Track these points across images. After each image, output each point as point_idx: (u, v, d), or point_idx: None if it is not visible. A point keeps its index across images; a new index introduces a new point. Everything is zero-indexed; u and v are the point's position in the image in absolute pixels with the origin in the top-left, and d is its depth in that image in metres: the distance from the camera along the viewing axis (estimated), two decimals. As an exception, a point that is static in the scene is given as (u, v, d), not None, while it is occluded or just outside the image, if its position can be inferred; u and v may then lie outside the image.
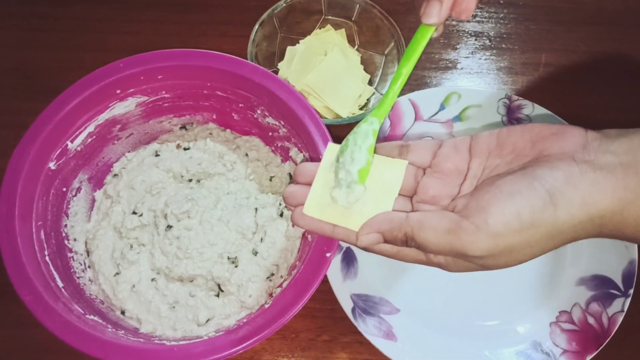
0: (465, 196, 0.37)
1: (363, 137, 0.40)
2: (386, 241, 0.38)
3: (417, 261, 0.39)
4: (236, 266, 0.54)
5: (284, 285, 0.52)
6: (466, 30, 0.75)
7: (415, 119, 0.64)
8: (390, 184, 0.40)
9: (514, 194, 0.34)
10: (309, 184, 0.41)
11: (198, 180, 0.58)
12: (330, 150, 0.41)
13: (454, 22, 0.75)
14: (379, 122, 0.41)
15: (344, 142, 0.41)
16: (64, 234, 0.54)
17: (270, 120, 0.58)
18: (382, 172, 0.40)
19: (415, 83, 0.71)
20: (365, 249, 0.39)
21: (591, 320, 0.56)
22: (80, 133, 0.54)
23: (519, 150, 0.38)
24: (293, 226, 0.56)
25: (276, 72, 0.67)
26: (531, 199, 0.34)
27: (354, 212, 0.39)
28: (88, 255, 0.55)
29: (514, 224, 0.34)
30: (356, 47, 0.70)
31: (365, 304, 0.56)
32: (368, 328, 0.55)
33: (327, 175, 0.40)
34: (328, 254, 0.48)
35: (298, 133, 0.55)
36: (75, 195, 0.56)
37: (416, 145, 0.41)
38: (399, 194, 0.40)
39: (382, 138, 0.63)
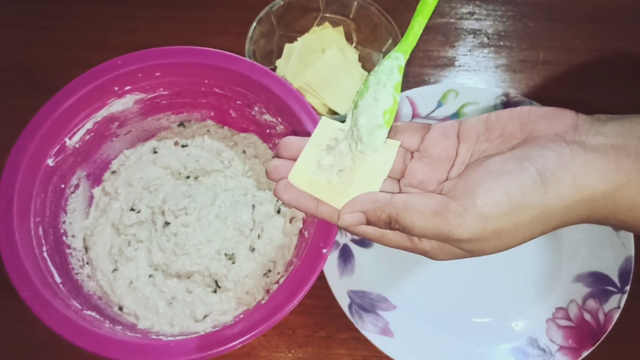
0: (452, 179, 0.36)
1: (387, 73, 0.37)
2: (369, 222, 0.36)
3: (402, 247, 0.37)
4: (233, 263, 0.54)
5: (281, 281, 0.52)
6: (464, 27, 0.75)
7: (413, 116, 0.64)
8: (379, 164, 0.37)
9: (503, 174, 0.33)
10: (294, 159, 0.38)
11: (196, 177, 0.59)
12: (324, 124, 0.38)
13: (451, 20, 0.75)
14: (404, 57, 0.37)
15: (362, 84, 0.37)
16: (62, 231, 0.55)
17: (267, 117, 0.58)
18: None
19: (412, 80, 0.71)
20: (346, 229, 0.36)
21: (587, 316, 0.56)
22: (78, 130, 0.55)
23: (507, 134, 0.36)
24: (290, 222, 0.56)
25: (274, 69, 0.68)
26: (521, 179, 0.33)
27: (339, 189, 0.36)
28: (86, 252, 0.56)
29: (503, 205, 0.33)
30: (354, 44, 0.70)
31: (362, 301, 0.56)
32: (365, 324, 0.55)
33: (316, 148, 0.38)
34: (324, 250, 0.48)
35: (295, 130, 0.55)
36: (74, 192, 0.57)
37: (404, 127, 0.39)
38: (387, 176, 0.38)
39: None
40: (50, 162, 0.53)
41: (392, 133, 0.39)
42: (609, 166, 0.33)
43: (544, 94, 0.71)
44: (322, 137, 0.38)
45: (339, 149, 0.38)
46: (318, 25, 0.70)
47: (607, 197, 0.33)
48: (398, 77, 0.37)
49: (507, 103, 0.65)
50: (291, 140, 0.39)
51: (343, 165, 0.37)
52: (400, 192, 0.38)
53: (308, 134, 0.53)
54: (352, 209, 0.36)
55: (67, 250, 0.54)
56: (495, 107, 0.65)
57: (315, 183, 0.37)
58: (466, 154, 0.38)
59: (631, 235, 0.58)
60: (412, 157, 0.39)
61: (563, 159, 0.33)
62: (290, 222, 0.57)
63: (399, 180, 0.39)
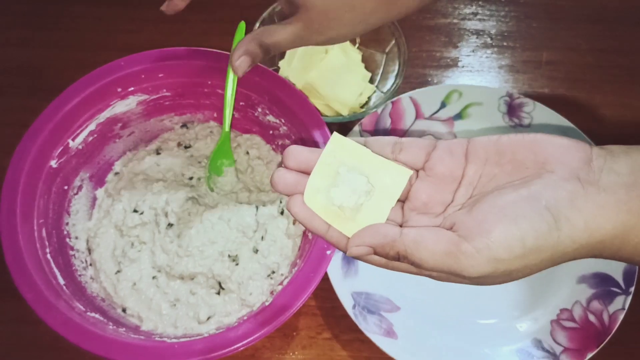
0: (463, 211, 0.36)
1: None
2: (377, 254, 0.36)
3: (408, 272, 0.37)
4: (237, 264, 0.54)
5: (285, 283, 0.52)
6: (467, 28, 0.75)
7: (416, 117, 0.64)
8: (389, 191, 0.37)
9: (518, 218, 0.33)
10: (299, 171, 0.37)
11: (199, 179, 0.58)
12: (335, 141, 0.38)
13: (454, 20, 0.75)
14: None
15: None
16: (65, 232, 0.55)
17: (270, 118, 0.58)
18: (382, 176, 0.37)
19: (416, 81, 0.71)
20: (354, 257, 0.37)
21: (592, 318, 0.56)
22: (81, 131, 0.55)
23: (519, 161, 0.36)
24: (294, 223, 0.56)
25: (277, 70, 0.67)
26: (536, 224, 0.33)
27: (347, 215, 0.37)
28: (89, 253, 0.56)
29: (516, 250, 0.33)
30: (357, 45, 0.70)
31: (366, 302, 0.56)
32: (368, 326, 0.55)
33: (327, 168, 0.37)
34: (328, 252, 0.48)
35: (298, 131, 0.55)
36: (77, 193, 0.57)
37: (410, 144, 0.39)
38: None
39: (383, 132, 0.63)
40: (53, 163, 0.52)
41: (397, 149, 0.39)
42: (619, 208, 0.33)
43: (547, 94, 0.71)
44: (333, 155, 0.37)
45: (352, 185, 0.37)
46: (321, 26, 0.69)
47: (615, 238, 0.33)
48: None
49: (511, 103, 0.65)
50: (297, 150, 0.38)
51: (354, 202, 0.37)
52: (406, 224, 0.38)
53: (311, 135, 0.53)
54: (361, 242, 0.36)
55: (71, 252, 0.54)
56: (498, 108, 0.65)
57: (327, 207, 0.37)
58: (474, 175, 0.38)
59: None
60: (417, 176, 0.39)
61: (577, 201, 0.33)
62: (294, 223, 0.56)
63: (403, 203, 0.39)
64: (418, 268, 0.35)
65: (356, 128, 0.62)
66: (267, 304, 0.49)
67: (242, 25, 0.55)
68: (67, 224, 0.55)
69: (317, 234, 0.37)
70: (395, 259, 0.35)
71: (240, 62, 0.44)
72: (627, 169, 0.34)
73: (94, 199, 0.59)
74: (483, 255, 0.33)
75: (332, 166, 0.37)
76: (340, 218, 0.37)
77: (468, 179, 0.38)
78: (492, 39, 0.74)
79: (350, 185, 0.37)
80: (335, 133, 0.38)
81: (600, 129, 0.69)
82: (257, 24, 0.65)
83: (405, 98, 0.64)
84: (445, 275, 0.36)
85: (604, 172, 0.34)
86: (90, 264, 0.55)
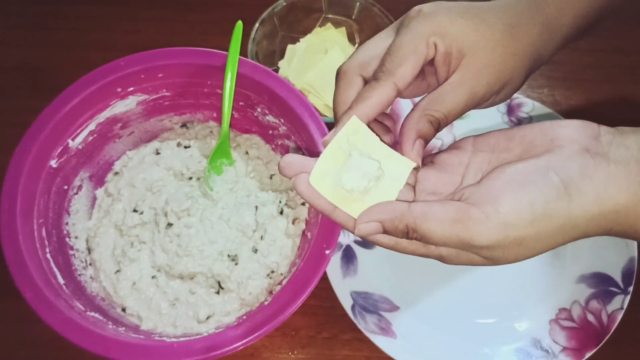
0: (472, 185, 0.36)
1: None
2: (386, 232, 0.35)
3: (416, 253, 0.37)
4: (236, 264, 0.54)
5: (284, 282, 0.52)
6: (467, 28, 0.75)
7: (416, 117, 0.64)
8: (394, 177, 0.37)
9: (527, 183, 0.33)
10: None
11: (198, 178, 0.59)
12: (352, 125, 0.37)
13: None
14: None
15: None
16: (65, 232, 0.55)
17: (270, 118, 0.58)
18: (387, 164, 0.37)
19: (415, 81, 0.71)
20: (362, 238, 0.37)
21: (591, 317, 0.56)
22: (81, 131, 0.55)
23: (528, 142, 0.36)
24: (293, 223, 0.56)
25: (277, 70, 0.68)
26: (545, 189, 0.33)
27: (356, 197, 0.36)
28: (89, 253, 0.56)
29: (526, 214, 0.32)
30: (357, 45, 0.70)
31: (365, 302, 0.56)
32: (367, 325, 0.55)
33: (339, 152, 0.37)
34: (327, 252, 0.48)
35: (298, 131, 0.55)
36: (77, 193, 0.57)
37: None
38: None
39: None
40: (53, 163, 0.53)
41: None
42: (631, 180, 0.33)
43: (547, 94, 0.71)
44: (347, 139, 0.37)
45: (363, 169, 0.37)
46: (320, 26, 0.70)
47: (629, 210, 0.33)
48: None
49: (510, 104, 0.65)
50: (293, 158, 0.37)
51: (363, 187, 0.37)
52: (416, 200, 0.38)
53: (310, 135, 0.53)
54: (369, 218, 0.35)
55: (70, 252, 0.54)
56: (498, 108, 0.65)
57: (334, 190, 0.36)
58: (482, 161, 0.38)
59: (634, 236, 0.58)
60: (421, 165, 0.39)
61: (587, 171, 0.33)
62: (293, 223, 0.57)
63: (414, 187, 0.39)
64: (427, 244, 0.35)
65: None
66: (266, 303, 0.49)
67: (239, 25, 0.55)
68: (67, 223, 0.55)
69: (323, 213, 0.37)
70: (404, 234, 0.35)
71: (416, 150, 0.37)
72: (637, 145, 0.34)
73: (94, 198, 0.59)
74: (492, 220, 0.33)
75: (343, 150, 0.37)
76: (348, 199, 0.36)
77: (476, 164, 0.38)
78: (491, 39, 0.74)
79: (361, 170, 0.36)
80: (354, 117, 0.37)
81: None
82: (256, 24, 0.65)
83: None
84: (455, 253, 0.36)
85: (613, 146, 0.34)
86: (90, 264, 0.56)
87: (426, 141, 0.37)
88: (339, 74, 0.39)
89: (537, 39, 0.40)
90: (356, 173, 0.36)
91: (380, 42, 0.39)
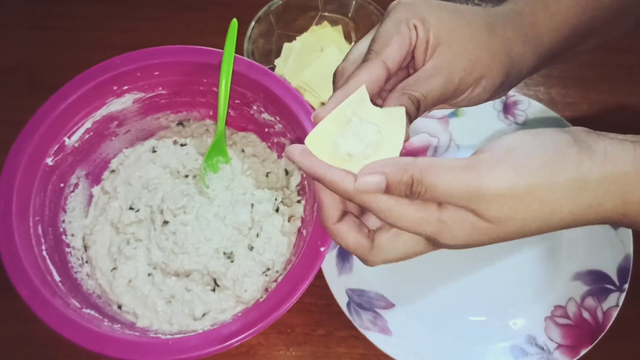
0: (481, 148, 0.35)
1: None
2: (388, 188, 0.33)
3: (411, 222, 0.34)
4: (232, 261, 0.54)
5: (280, 280, 0.52)
6: (463, 26, 0.75)
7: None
8: (392, 135, 0.35)
9: (538, 132, 0.34)
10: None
11: (194, 176, 0.59)
12: (360, 94, 0.36)
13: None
14: None
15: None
16: (61, 230, 0.55)
17: (266, 116, 0.58)
18: (386, 127, 0.36)
19: (412, 79, 0.71)
20: (360, 197, 0.34)
21: (586, 314, 0.56)
22: (77, 129, 0.55)
23: None
24: (289, 220, 0.56)
25: (273, 68, 0.68)
26: (555, 136, 0.33)
27: (354, 161, 0.35)
28: (85, 251, 0.56)
29: (537, 156, 0.32)
30: (353, 43, 0.70)
31: (361, 299, 0.56)
32: (363, 323, 0.55)
33: (342, 118, 0.35)
34: (322, 249, 0.48)
35: (294, 129, 0.55)
36: (73, 191, 0.57)
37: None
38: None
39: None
40: (49, 161, 0.53)
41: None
42: (637, 148, 0.33)
43: (543, 92, 0.71)
44: (352, 107, 0.36)
45: (361, 134, 0.35)
46: (317, 24, 0.70)
47: (637, 178, 0.32)
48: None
49: (506, 102, 0.66)
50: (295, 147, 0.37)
51: (361, 152, 0.35)
52: None
53: (306, 133, 0.53)
54: (372, 170, 0.33)
55: (67, 249, 0.55)
56: (494, 106, 0.65)
57: (331, 153, 0.35)
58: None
59: (630, 233, 0.58)
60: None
61: (591, 134, 0.34)
62: (289, 220, 0.57)
63: None
64: (429, 201, 0.33)
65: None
66: (262, 300, 0.49)
67: (234, 23, 0.56)
68: (64, 221, 0.56)
69: (316, 177, 0.35)
70: (408, 188, 0.33)
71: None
72: (631, 139, 0.34)
73: (90, 196, 0.59)
74: (504, 162, 0.32)
75: (345, 118, 0.36)
76: (345, 163, 0.35)
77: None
78: (488, 37, 0.74)
79: (359, 134, 0.35)
80: (363, 87, 0.36)
81: (595, 128, 0.68)
82: (252, 23, 0.65)
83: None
84: (457, 218, 0.33)
85: (608, 137, 0.34)
86: (86, 261, 0.56)
87: (409, 115, 0.36)
88: (335, 75, 0.41)
89: (512, 41, 0.41)
90: (354, 137, 0.35)
91: (369, 41, 0.40)
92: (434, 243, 0.36)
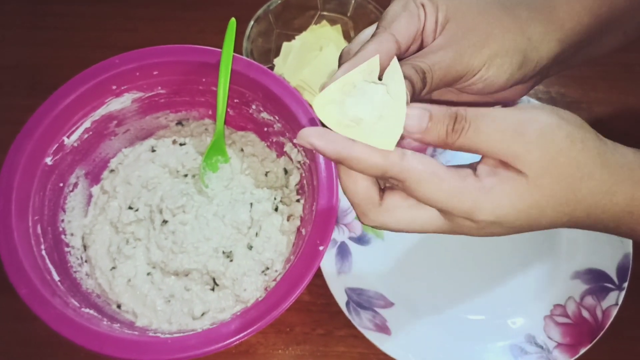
0: None
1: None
2: (429, 128, 0.32)
3: (446, 193, 0.32)
4: (231, 260, 0.54)
5: (279, 279, 0.52)
6: (463, 25, 0.75)
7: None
8: (394, 91, 0.32)
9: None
10: None
11: (194, 176, 0.59)
12: (372, 63, 0.33)
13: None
14: None
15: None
16: (60, 229, 0.55)
17: (265, 115, 0.58)
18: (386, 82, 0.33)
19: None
20: (393, 173, 0.32)
21: (585, 313, 0.56)
22: (76, 129, 0.55)
23: None
24: (288, 220, 0.57)
25: (272, 68, 0.68)
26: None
27: (365, 126, 0.32)
28: (85, 250, 0.56)
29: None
30: (352, 42, 0.70)
31: (360, 298, 0.56)
32: (362, 322, 0.55)
33: (350, 86, 0.33)
34: (321, 248, 0.48)
35: (292, 128, 0.55)
36: (72, 190, 0.57)
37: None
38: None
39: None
40: (48, 160, 0.53)
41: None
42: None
43: (541, 91, 0.71)
44: (362, 76, 0.33)
45: (369, 94, 0.32)
46: (316, 23, 0.70)
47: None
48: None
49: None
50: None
51: (370, 115, 0.32)
52: None
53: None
54: (420, 105, 0.32)
55: (66, 249, 0.55)
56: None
57: (339, 120, 0.32)
58: None
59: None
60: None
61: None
62: (288, 219, 0.57)
63: None
64: (469, 145, 0.32)
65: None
66: (261, 299, 0.49)
67: (233, 22, 0.56)
68: (63, 220, 0.56)
69: (340, 156, 0.32)
70: (451, 124, 0.32)
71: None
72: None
73: (90, 196, 0.59)
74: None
75: (354, 84, 0.33)
76: (354, 130, 0.32)
77: None
78: (487, 36, 0.74)
79: (366, 95, 0.32)
80: (376, 56, 0.33)
81: (595, 127, 0.68)
82: (251, 22, 0.65)
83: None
84: (501, 182, 0.32)
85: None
86: (86, 261, 0.56)
87: (412, 85, 0.33)
88: (342, 55, 0.38)
89: (526, 20, 0.39)
90: (362, 97, 0.32)
91: None
92: (464, 223, 0.33)
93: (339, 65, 0.37)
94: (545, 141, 0.32)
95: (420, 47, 0.38)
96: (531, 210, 0.33)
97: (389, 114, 0.32)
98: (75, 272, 0.54)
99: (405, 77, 0.33)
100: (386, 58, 0.34)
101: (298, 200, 0.57)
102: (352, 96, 0.32)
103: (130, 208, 0.56)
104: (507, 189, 0.32)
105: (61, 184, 0.55)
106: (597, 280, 0.58)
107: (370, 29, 0.38)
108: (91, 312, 0.49)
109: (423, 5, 0.37)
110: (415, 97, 0.34)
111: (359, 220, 0.35)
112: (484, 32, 0.37)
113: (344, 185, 0.34)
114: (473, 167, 0.34)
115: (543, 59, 0.40)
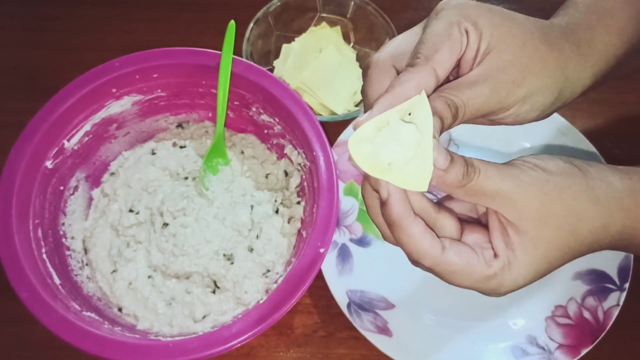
0: None
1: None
2: (449, 168, 0.32)
3: (473, 277, 0.35)
4: (232, 263, 0.54)
5: (280, 281, 0.52)
6: (462, 26, 0.75)
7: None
8: (419, 125, 0.32)
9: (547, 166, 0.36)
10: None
11: (194, 178, 0.59)
12: (414, 104, 0.32)
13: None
14: None
15: None
16: (61, 232, 0.55)
17: (265, 117, 0.58)
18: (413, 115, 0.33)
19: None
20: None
21: (587, 314, 0.56)
22: (76, 132, 0.55)
23: None
24: (289, 222, 0.56)
25: (272, 70, 0.68)
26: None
27: (396, 168, 0.32)
28: (85, 253, 0.56)
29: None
30: (351, 44, 0.70)
31: (361, 300, 0.56)
32: (363, 324, 0.55)
33: (390, 117, 0.32)
34: (322, 250, 0.48)
35: (292, 130, 0.55)
36: (73, 193, 0.57)
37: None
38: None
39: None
40: (48, 164, 0.53)
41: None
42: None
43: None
44: (399, 115, 0.33)
45: (401, 136, 0.32)
46: (315, 25, 0.70)
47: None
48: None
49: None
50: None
51: (402, 157, 0.32)
52: None
53: (304, 134, 0.53)
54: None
55: (67, 252, 0.55)
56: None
57: (371, 159, 0.32)
58: None
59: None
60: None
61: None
62: (289, 222, 0.57)
63: None
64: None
65: (350, 127, 0.62)
66: (262, 302, 0.49)
67: (232, 24, 0.56)
68: (64, 224, 0.56)
69: (394, 221, 0.33)
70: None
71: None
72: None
73: (90, 199, 0.59)
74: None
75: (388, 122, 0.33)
76: (386, 173, 0.32)
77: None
78: (487, 36, 0.74)
79: (398, 138, 0.32)
80: (424, 92, 0.33)
81: (595, 126, 0.69)
82: (251, 24, 0.65)
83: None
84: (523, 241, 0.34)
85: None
86: (87, 264, 0.56)
87: (442, 121, 0.33)
88: (369, 64, 0.37)
89: (568, 56, 0.38)
90: (394, 142, 0.32)
91: (411, 38, 0.37)
92: (487, 293, 0.37)
93: (364, 75, 0.37)
94: (539, 194, 0.34)
95: (455, 72, 0.37)
96: (541, 266, 0.35)
97: (419, 154, 0.32)
98: (76, 275, 0.54)
99: (435, 113, 0.33)
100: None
101: (299, 203, 0.57)
102: (384, 135, 0.32)
103: (130, 211, 0.56)
104: (522, 259, 0.35)
105: (61, 188, 0.55)
106: (598, 281, 0.57)
107: (404, 37, 0.37)
108: (92, 315, 0.49)
109: (467, 32, 0.35)
110: (443, 131, 0.34)
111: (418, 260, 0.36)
112: (524, 67, 0.36)
113: (406, 242, 0.34)
114: (485, 234, 0.35)
115: (575, 94, 0.40)
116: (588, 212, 0.34)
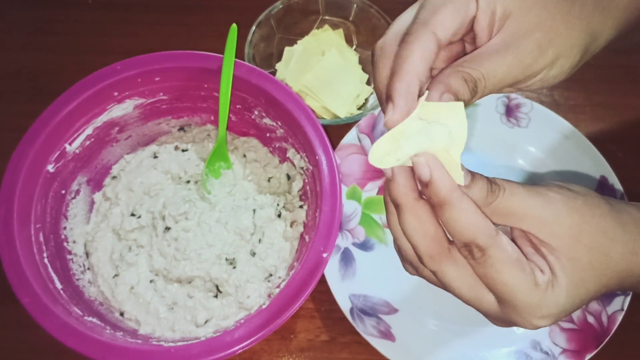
0: None
1: None
2: (471, 185, 0.31)
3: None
4: (234, 267, 0.54)
5: (282, 285, 0.52)
6: (465, 29, 0.75)
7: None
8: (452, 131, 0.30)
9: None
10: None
11: (196, 182, 0.58)
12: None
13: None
14: None
15: None
16: (63, 236, 0.55)
17: (267, 121, 0.58)
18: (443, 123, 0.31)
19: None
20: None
21: (591, 319, 0.56)
22: (78, 136, 0.55)
23: None
24: (291, 226, 0.56)
25: (274, 73, 0.67)
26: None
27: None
28: (87, 257, 0.56)
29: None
30: (354, 47, 0.70)
31: (364, 304, 0.56)
32: (366, 328, 0.55)
33: (411, 126, 0.30)
34: (325, 254, 0.48)
35: (295, 134, 0.55)
36: (74, 197, 0.57)
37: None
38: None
39: (380, 134, 0.63)
40: (50, 168, 0.53)
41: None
42: None
43: (545, 95, 0.71)
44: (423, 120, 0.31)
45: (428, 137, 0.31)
46: (318, 28, 0.70)
47: None
48: None
49: (508, 104, 0.65)
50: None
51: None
52: None
53: (307, 138, 0.53)
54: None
55: (68, 256, 0.54)
56: (496, 109, 0.65)
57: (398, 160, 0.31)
58: None
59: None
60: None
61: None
62: (291, 226, 0.56)
63: None
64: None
65: (353, 130, 0.62)
66: (264, 307, 0.49)
67: (234, 27, 0.55)
68: (65, 228, 0.55)
69: (444, 199, 0.30)
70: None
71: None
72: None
73: (92, 203, 0.59)
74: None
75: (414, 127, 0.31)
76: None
77: None
78: (489, 39, 0.74)
79: (427, 137, 0.30)
80: (424, 101, 0.31)
81: (599, 130, 0.68)
82: (253, 27, 0.65)
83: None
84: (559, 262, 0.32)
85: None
86: (88, 268, 0.55)
87: (457, 98, 0.31)
88: (374, 51, 0.35)
89: (591, 11, 0.35)
90: (422, 139, 0.30)
91: (415, 12, 0.35)
92: (517, 317, 0.33)
93: (373, 59, 0.35)
94: (569, 211, 0.32)
95: (469, 39, 0.35)
96: (579, 290, 0.32)
97: (448, 162, 0.31)
98: (77, 279, 0.54)
99: (449, 91, 0.31)
100: (427, 63, 0.32)
101: (301, 207, 0.57)
102: (409, 138, 0.30)
103: (132, 215, 0.56)
104: (562, 280, 0.32)
105: (63, 191, 0.55)
106: (602, 285, 0.57)
107: (410, 12, 0.35)
108: (94, 320, 0.49)
109: None
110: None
111: (419, 263, 0.35)
112: (549, 29, 0.33)
113: (408, 224, 0.32)
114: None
115: (599, 48, 0.38)
116: (617, 234, 0.33)
